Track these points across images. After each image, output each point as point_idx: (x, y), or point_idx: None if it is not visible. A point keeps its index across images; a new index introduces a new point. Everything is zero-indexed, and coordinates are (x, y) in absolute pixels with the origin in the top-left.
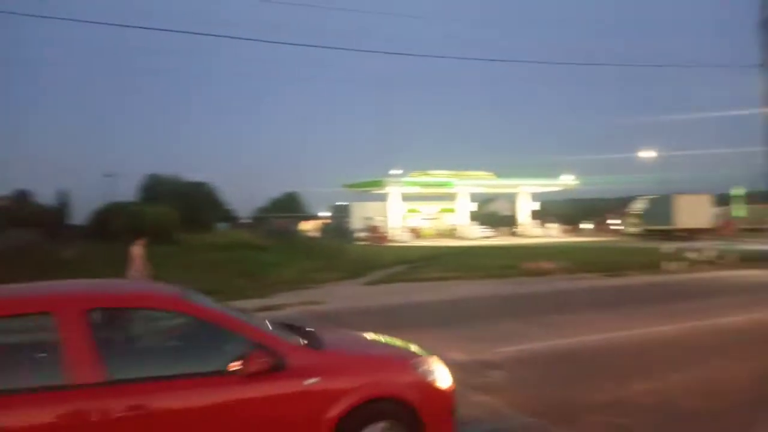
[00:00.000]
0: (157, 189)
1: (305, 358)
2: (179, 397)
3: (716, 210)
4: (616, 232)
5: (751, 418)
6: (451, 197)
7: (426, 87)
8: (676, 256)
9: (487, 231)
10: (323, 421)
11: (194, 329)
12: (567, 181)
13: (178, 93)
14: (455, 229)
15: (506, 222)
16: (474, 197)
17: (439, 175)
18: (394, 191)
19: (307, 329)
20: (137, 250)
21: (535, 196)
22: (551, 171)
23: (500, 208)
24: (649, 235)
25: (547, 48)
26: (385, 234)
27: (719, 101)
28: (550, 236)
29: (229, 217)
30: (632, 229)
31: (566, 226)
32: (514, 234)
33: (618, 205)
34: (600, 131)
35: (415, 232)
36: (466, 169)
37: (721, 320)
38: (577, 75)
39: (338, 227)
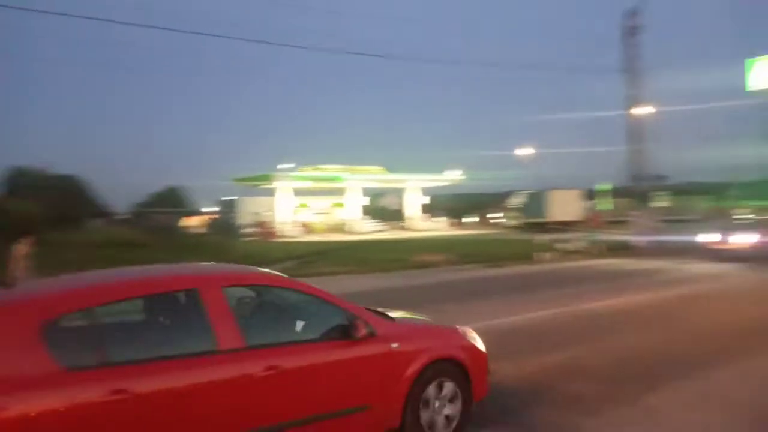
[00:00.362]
0: (19, 183)
1: (387, 328)
2: (305, 357)
3: (586, 204)
4: (498, 225)
5: (608, 395)
6: (342, 192)
7: (321, 83)
8: (550, 247)
9: (378, 225)
10: (404, 379)
11: (306, 303)
12: (454, 176)
13: (51, 82)
14: (346, 224)
15: (397, 216)
16: (366, 192)
17: (329, 170)
18: (283, 186)
19: (372, 308)
20: (22, 249)
21: (426, 191)
22: (440, 166)
23: (391, 202)
24: (527, 227)
25: (437, 48)
26: (275, 229)
27: (592, 103)
28: (438, 230)
29: (104, 212)
30: (512, 222)
31: (454, 220)
32: (404, 228)
33: (500, 199)
34: (485, 129)
35: (306, 227)
36: (359, 164)
37: (586, 306)
38: (464, 75)
39: (225, 223)
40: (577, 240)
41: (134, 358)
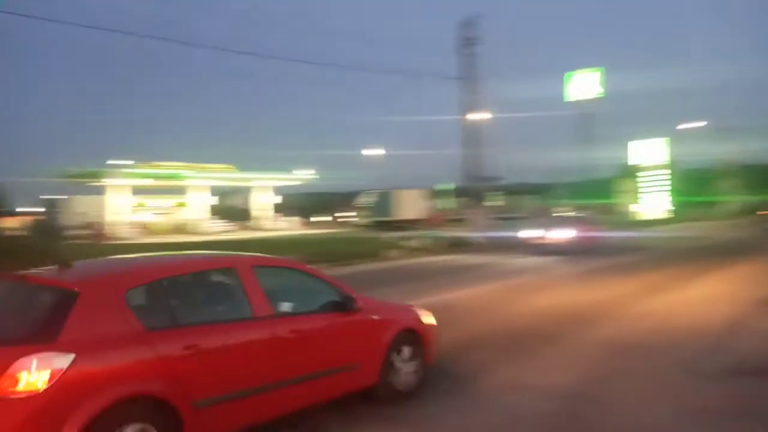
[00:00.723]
0: None
1: (368, 303)
2: (317, 323)
3: (430, 203)
4: (348, 223)
5: (442, 386)
6: (186, 191)
7: (167, 78)
8: (396, 245)
9: (226, 225)
10: (383, 342)
11: (313, 284)
12: (305, 175)
13: None
14: (191, 224)
15: (247, 216)
16: (215, 191)
17: (170, 167)
18: (117, 183)
19: None
20: None
21: (277, 190)
22: (293, 166)
23: (241, 202)
24: (376, 226)
25: (288, 48)
26: (107, 231)
27: (438, 107)
28: (289, 229)
29: None
30: (363, 221)
31: (305, 219)
32: (253, 228)
33: (350, 199)
34: (338, 130)
35: (146, 228)
36: (208, 162)
37: (429, 299)
38: (317, 76)
39: (49, 224)
40: (421, 237)
41: (196, 321)
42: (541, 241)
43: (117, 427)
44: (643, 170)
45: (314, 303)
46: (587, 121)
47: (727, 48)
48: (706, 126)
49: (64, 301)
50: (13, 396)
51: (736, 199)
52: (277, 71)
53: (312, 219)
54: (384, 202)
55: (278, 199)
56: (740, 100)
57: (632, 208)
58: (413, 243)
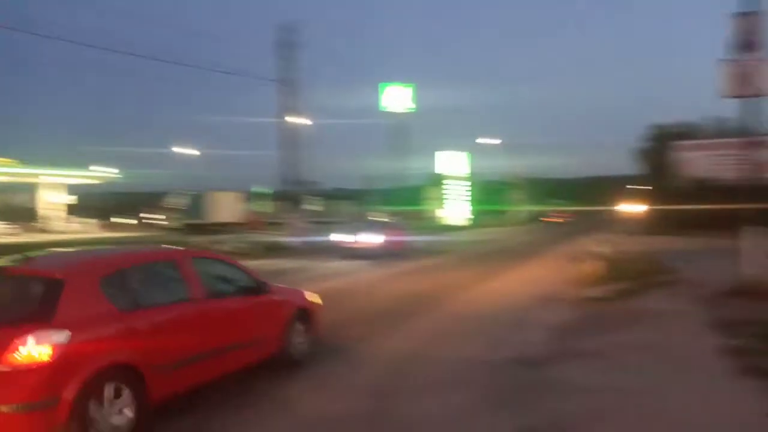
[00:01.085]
0: None
1: (273, 288)
2: (240, 303)
3: (246, 205)
4: (155, 226)
5: (245, 390)
6: None
7: None
8: (208, 249)
9: (5, 226)
10: (285, 315)
11: (234, 272)
12: (106, 173)
13: None
14: None
15: (32, 216)
16: None
17: None
18: None
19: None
20: None
21: (72, 189)
22: (93, 162)
23: (25, 200)
24: (187, 229)
25: (93, 34)
26: None
27: (256, 109)
28: (84, 232)
29: None
30: (173, 224)
31: (105, 221)
32: (41, 230)
33: (160, 199)
34: (149, 127)
35: None
36: None
37: None
38: (130, 68)
39: None
40: (234, 241)
41: (152, 303)
42: (353, 246)
43: (101, 387)
44: (448, 179)
45: (235, 287)
46: (400, 132)
47: (527, 71)
48: (501, 143)
49: (53, 287)
50: (22, 367)
51: (523, 208)
52: (77, 59)
53: (113, 220)
54: (196, 203)
55: (72, 199)
56: (534, 119)
57: (438, 214)
58: (226, 247)
